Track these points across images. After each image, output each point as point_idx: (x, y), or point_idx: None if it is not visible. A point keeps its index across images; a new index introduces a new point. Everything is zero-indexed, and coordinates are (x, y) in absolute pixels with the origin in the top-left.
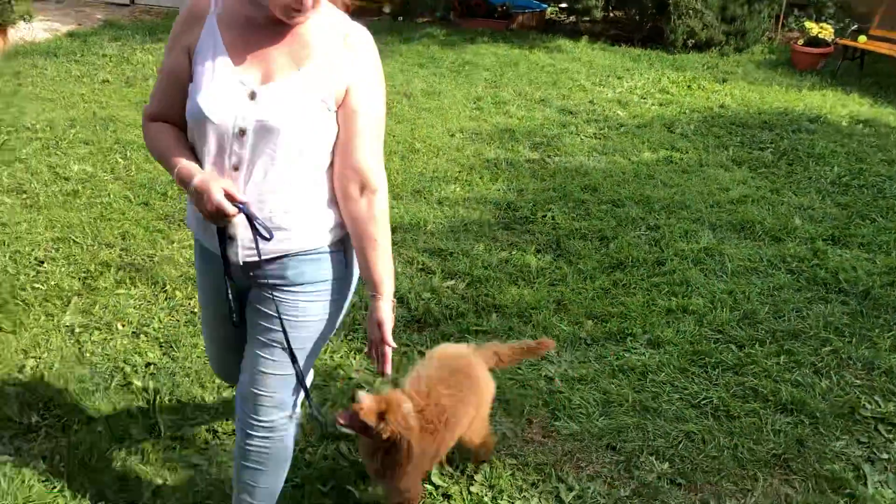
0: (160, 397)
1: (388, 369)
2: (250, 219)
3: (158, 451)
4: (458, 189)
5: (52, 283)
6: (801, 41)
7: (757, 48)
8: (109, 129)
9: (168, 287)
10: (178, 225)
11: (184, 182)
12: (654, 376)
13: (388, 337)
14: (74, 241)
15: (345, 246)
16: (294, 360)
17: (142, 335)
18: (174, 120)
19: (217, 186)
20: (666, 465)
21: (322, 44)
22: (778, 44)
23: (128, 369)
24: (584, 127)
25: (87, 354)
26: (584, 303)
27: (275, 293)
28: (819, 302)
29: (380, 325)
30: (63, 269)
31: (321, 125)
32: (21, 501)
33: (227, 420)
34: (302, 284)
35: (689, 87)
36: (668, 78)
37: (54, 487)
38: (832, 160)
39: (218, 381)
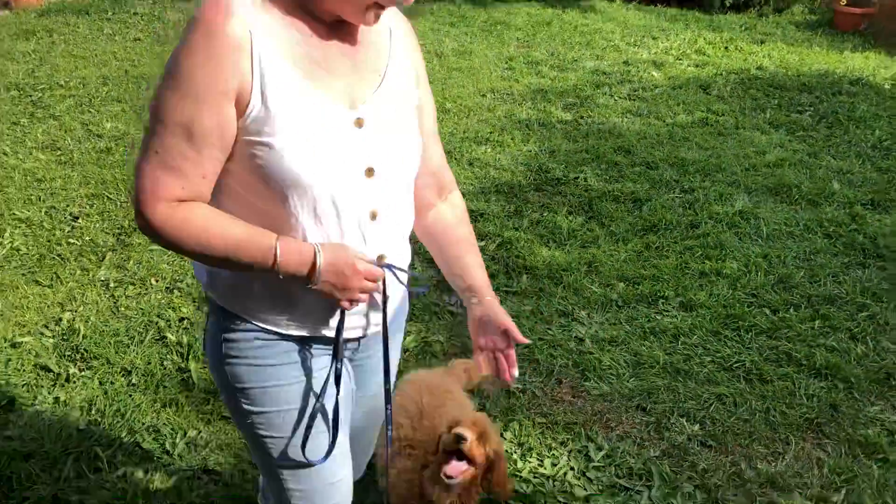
0: (193, 351)
1: (516, 371)
2: (395, 274)
3: (192, 403)
4: (489, 150)
5: (87, 238)
6: (843, 1)
7: (797, 8)
8: (142, 87)
9: None
10: None
11: (300, 264)
12: (686, 339)
13: (519, 335)
14: (108, 197)
15: None
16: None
17: (175, 290)
18: (207, 197)
19: (353, 252)
20: (696, 427)
21: (378, 41)
22: (819, 4)
23: (161, 324)
24: (618, 88)
25: (122, 309)
26: (616, 265)
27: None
28: (856, 267)
29: (508, 327)
30: (97, 224)
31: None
32: (60, 449)
33: None
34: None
35: (725, 48)
36: (704, 39)
37: (91, 436)
38: (873, 124)
39: None
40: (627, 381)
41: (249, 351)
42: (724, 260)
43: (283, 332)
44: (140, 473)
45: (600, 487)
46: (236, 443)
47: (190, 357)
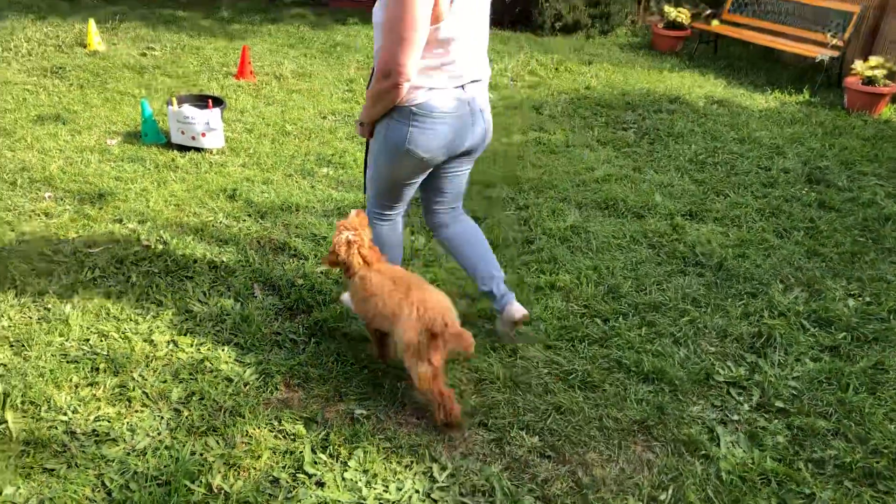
0: (10, 400)
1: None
2: None
3: (9, 458)
4: (331, 172)
5: None
6: (661, 24)
7: (621, 31)
8: None
9: (18, 283)
10: (29, 216)
11: None
12: (524, 352)
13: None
14: None
15: None
16: None
17: None
18: None
19: None
20: (536, 439)
21: None
22: (640, 27)
23: None
24: None
25: None
26: (457, 283)
27: None
28: (678, 275)
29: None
30: None
31: None
32: None
33: (86, 420)
34: None
35: (556, 69)
36: (536, 60)
37: None
38: (690, 139)
39: (75, 379)
40: (469, 399)
41: None
42: (558, 273)
43: None
44: None
45: None
46: (59, 497)
47: (7, 406)
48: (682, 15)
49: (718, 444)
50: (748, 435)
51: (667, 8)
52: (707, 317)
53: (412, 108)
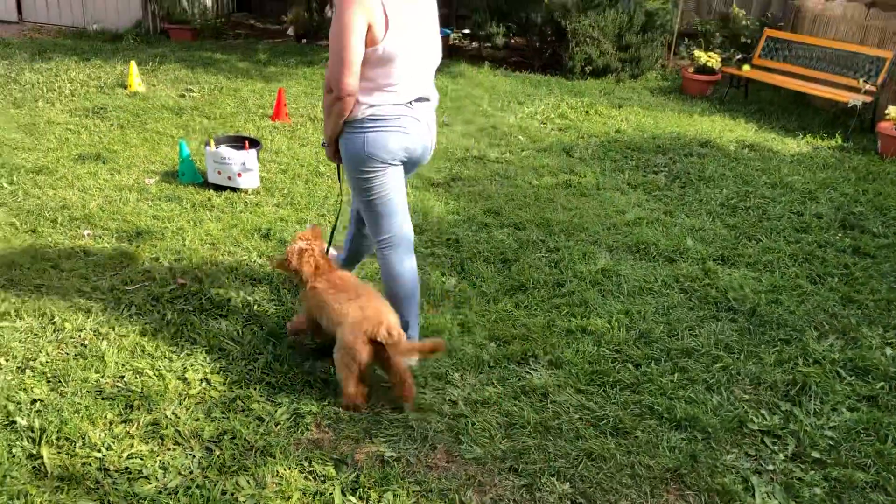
0: (46, 436)
1: None
2: None
3: (44, 493)
4: None
5: None
6: (691, 69)
7: (651, 75)
8: None
9: (57, 319)
10: (69, 253)
11: None
12: (555, 397)
13: None
14: None
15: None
16: None
17: (27, 370)
18: None
19: None
20: (567, 486)
21: None
22: (670, 71)
23: (11, 407)
24: (487, 151)
25: None
26: (488, 325)
27: None
28: (710, 320)
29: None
30: None
31: None
32: None
33: (119, 458)
34: None
35: (587, 112)
36: (566, 103)
37: None
38: (721, 183)
39: (109, 416)
40: (500, 443)
41: None
42: (589, 317)
43: None
44: None
45: None
46: None
47: (43, 442)
48: (712, 59)
49: (753, 495)
50: (784, 486)
51: (697, 52)
52: (740, 363)
53: (363, 117)
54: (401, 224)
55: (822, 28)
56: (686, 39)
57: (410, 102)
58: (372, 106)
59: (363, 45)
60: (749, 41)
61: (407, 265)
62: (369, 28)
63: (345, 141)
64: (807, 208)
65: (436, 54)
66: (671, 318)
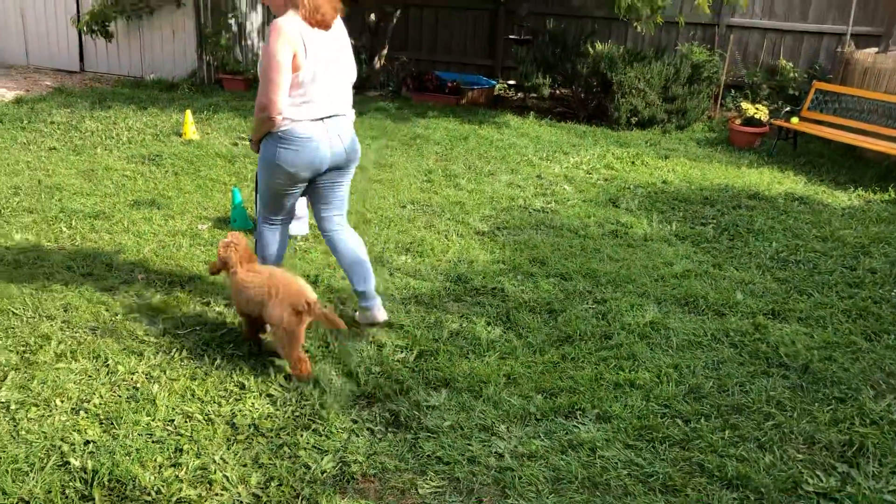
0: (98, 477)
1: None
2: None
3: None
4: (409, 260)
5: None
6: (738, 120)
7: (697, 126)
8: (55, 198)
9: (110, 361)
10: (123, 297)
11: None
12: (603, 452)
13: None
14: (14, 312)
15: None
16: None
17: (81, 412)
18: None
19: None
20: None
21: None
22: (717, 122)
23: (65, 448)
24: (533, 200)
25: (23, 433)
26: (534, 377)
27: None
28: (761, 376)
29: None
30: (1, 342)
31: None
32: None
33: (168, 502)
34: None
35: (633, 162)
36: (612, 154)
37: None
38: (770, 236)
39: (159, 459)
40: (547, 498)
41: None
42: (637, 370)
43: None
44: None
45: None
46: None
47: (95, 484)
48: (760, 112)
49: None
50: None
51: (744, 104)
52: (793, 421)
53: (279, 133)
54: (282, 217)
55: (874, 80)
56: (732, 91)
57: (324, 118)
58: (294, 121)
59: (290, 71)
60: (797, 93)
61: (282, 237)
62: (294, 56)
63: (265, 145)
64: (860, 263)
65: (349, 75)
66: (721, 374)
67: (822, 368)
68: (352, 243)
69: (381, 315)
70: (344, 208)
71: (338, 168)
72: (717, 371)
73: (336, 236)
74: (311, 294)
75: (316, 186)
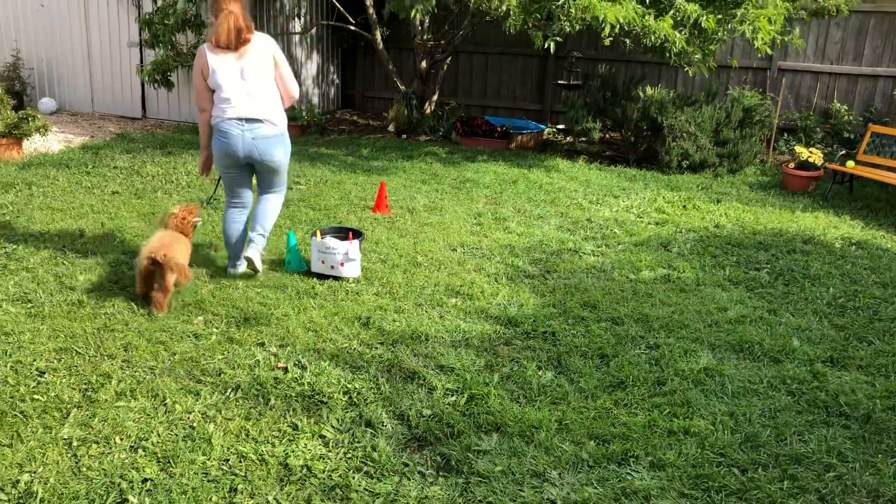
0: None
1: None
2: None
3: None
4: (459, 303)
5: (52, 394)
6: (792, 164)
7: (749, 170)
8: (117, 240)
9: (168, 400)
10: (181, 337)
11: None
12: (657, 500)
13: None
14: (77, 351)
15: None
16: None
17: (140, 450)
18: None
19: None
20: None
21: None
22: (769, 166)
23: (124, 485)
24: (583, 244)
25: (84, 469)
26: (586, 423)
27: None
28: (821, 425)
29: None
30: (64, 380)
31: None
32: None
33: None
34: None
35: (684, 206)
36: (663, 198)
37: None
38: (827, 282)
39: (214, 498)
40: None
41: None
42: (692, 418)
43: None
44: None
45: None
46: None
47: None
48: (814, 156)
49: None
50: None
51: (798, 148)
52: (855, 473)
53: (215, 126)
54: (237, 199)
55: None
56: (785, 134)
57: (242, 121)
58: (218, 118)
59: (203, 81)
60: (852, 136)
61: (237, 220)
62: (202, 73)
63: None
64: None
65: (256, 89)
66: (778, 422)
67: (885, 419)
68: (263, 205)
69: (255, 255)
70: (270, 187)
71: (251, 163)
72: (774, 419)
73: (226, 215)
74: (171, 250)
75: (255, 172)
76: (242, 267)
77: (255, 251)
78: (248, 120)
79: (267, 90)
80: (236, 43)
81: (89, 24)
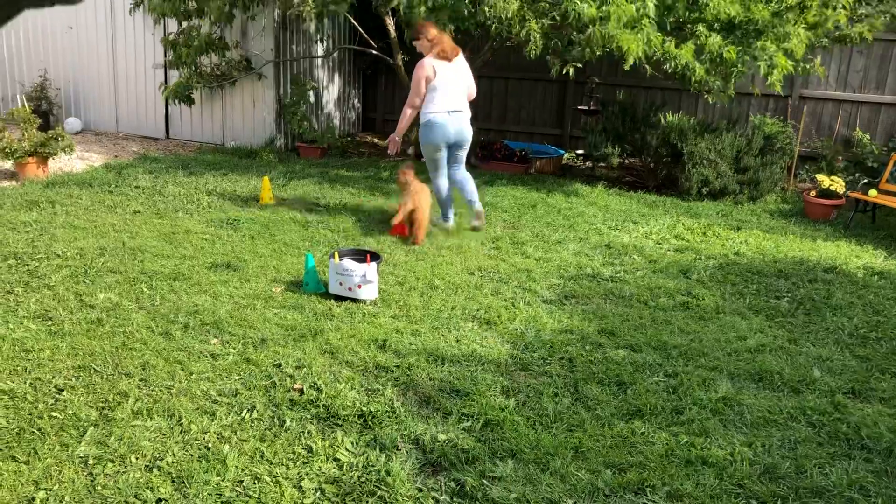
0: None
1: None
2: None
3: None
4: (475, 327)
5: (70, 411)
6: (813, 192)
7: (770, 198)
8: (137, 259)
9: (184, 420)
10: (198, 356)
11: None
12: None
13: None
14: (95, 369)
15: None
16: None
17: (155, 469)
18: None
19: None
20: None
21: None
22: (790, 194)
23: None
24: (601, 270)
25: (99, 488)
26: (603, 451)
27: None
28: (842, 458)
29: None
30: (82, 397)
31: None
32: None
33: None
34: None
35: (704, 233)
36: (683, 224)
37: None
38: (849, 311)
39: None
40: None
41: None
42: (710, 448)
43: None
44: None
45: None
46: None
47: None
48: (836, 184)
49: None
50: None
51: (819, 176)
52: None
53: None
54: (441, 172)
55: None
56: (806, 163)
57: (450, 112)
58: (431, 112)
59: (425, 84)
60: (874, 165)
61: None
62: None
63: (421, 130)
64: None
65: (464, 85)
66: (798, 454)
67: None
68: (468, 180)
69: (480, 210)
70: (461, 162)
71: (456, 144)
72: (794, 451)
73: (458, 177)
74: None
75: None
76: (452, 221)
77: (480, 206)
78: (454, 112)
79: (464, 83)
80: (451, 55)
81: (115, 46)
